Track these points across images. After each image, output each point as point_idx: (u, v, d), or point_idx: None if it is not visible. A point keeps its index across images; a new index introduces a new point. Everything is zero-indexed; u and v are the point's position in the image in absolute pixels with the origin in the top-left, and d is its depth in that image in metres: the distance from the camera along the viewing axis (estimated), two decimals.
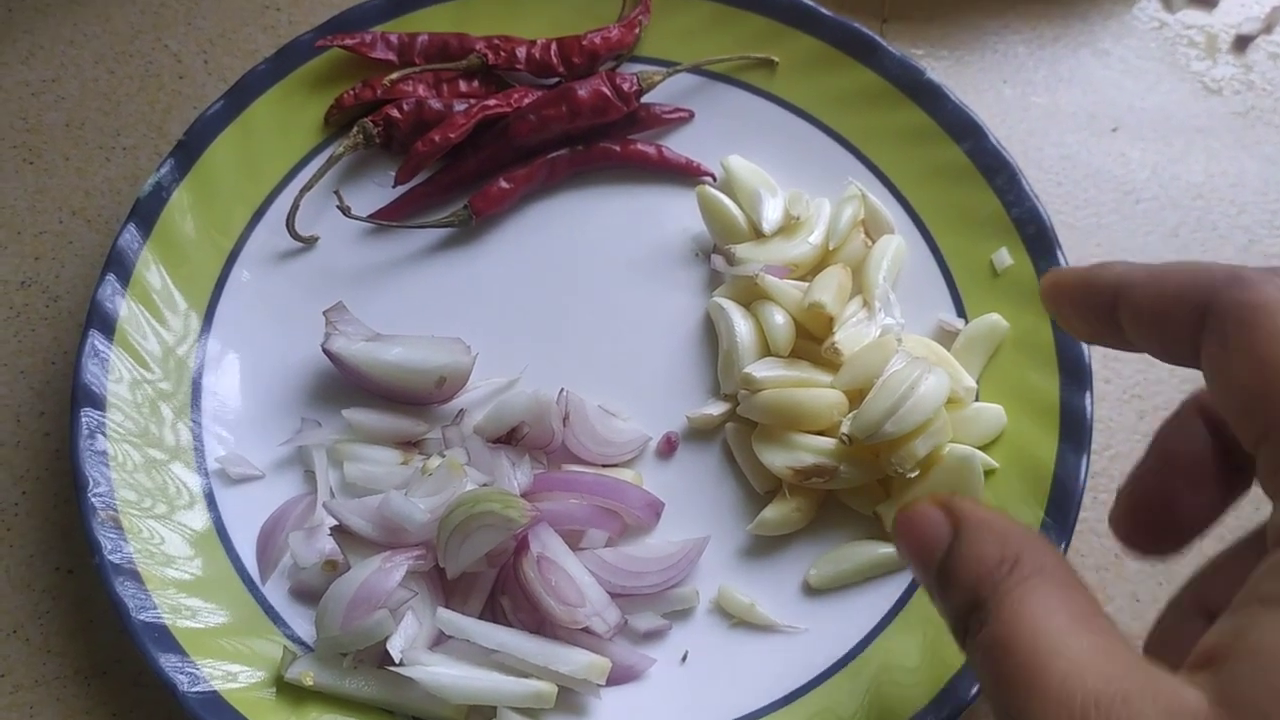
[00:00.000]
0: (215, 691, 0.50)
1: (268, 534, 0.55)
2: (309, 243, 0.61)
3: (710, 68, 0.63)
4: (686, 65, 0.62)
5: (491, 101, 0.61)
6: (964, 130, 0.59)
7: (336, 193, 0.60)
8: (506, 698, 0.49)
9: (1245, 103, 0.65)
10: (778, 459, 0.53)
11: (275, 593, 0.54)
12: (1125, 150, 0.64)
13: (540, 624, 0.52)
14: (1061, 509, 0.51)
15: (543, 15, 0.64)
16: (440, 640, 0.51)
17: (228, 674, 0.51)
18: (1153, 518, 0.42)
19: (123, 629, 0.51)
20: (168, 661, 0.50)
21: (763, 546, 0.54)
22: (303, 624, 0.53)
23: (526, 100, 0.61)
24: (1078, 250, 0.61)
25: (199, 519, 0.55)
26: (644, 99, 0.62)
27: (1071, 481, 0.51)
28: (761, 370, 0.54)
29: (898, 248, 0.58)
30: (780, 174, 0.60)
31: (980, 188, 0.58)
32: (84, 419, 0.54)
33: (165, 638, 0.51)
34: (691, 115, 0.63)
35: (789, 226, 0.58)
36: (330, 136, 0.63)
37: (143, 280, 0.58)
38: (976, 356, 0.55)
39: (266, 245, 0.61)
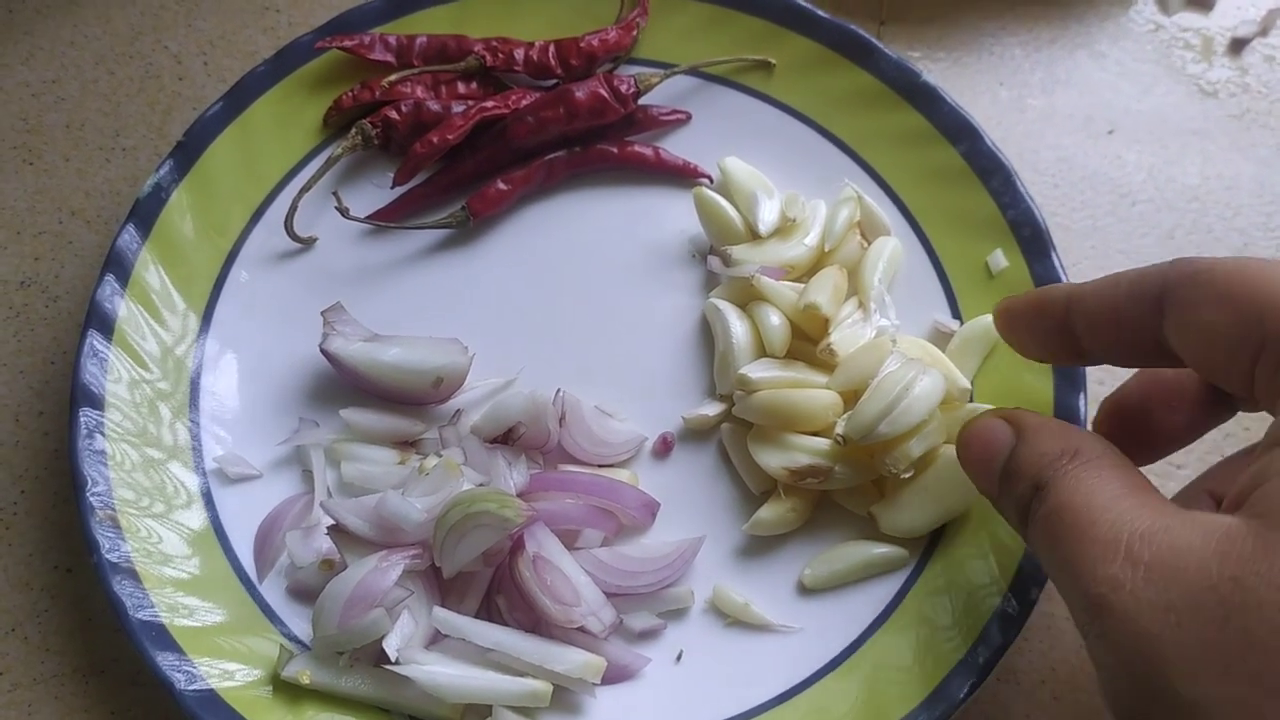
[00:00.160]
0: (212, 690, 0.50)
1: (265, 533, 0.55)
2: (307, 243, 0.61)
3: (707, 70, 0.63)
4: (684, 67, 0.62)
5: (490, 103, 0.61)
6: (960, 132, 0.59)
7: (335, 194, 0.60)
8: (502, 696, 0.50)
9: (1241, 105, 0.65)
10: (773, 459, 0.53)
11: (272, 591, 0.54)
12: (1121, 153, 0.64)
13: (536, 623, 0.52)
14: None
15: (541, 17, 0.64)
16: (436, 639, 0.51)
17: (225, 672, 0.51)
18: (1129, 428, 0.46)
19: (120, 628, 0.51)
20: (165, 660, 0.50)
21: (758, 546, 0.55)
22: (299, 623, 0.53)
23: (524, 102, 0.62)
24: (1073, 252, 0.62)
25: (197, 518, 0.55)
26: (641, 101, 0.62)
27: None
28: (757, 371, 0.54)
29: (893, 249, 0.58)
30: (777, 176, 0.60)
31: (976, 190, 0.58)
32: (83, 419, 0.54)
33: (163, 636, 0.51)
34: (689, 117, 0.63)
35: (785, 228, 0.58)
36: (329, 138, 0.63)
37: (141, 280, 0.58)
38: (971, 358, 0.55)
39: (265, 246, 0.61)
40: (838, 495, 0.54)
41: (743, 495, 0.56)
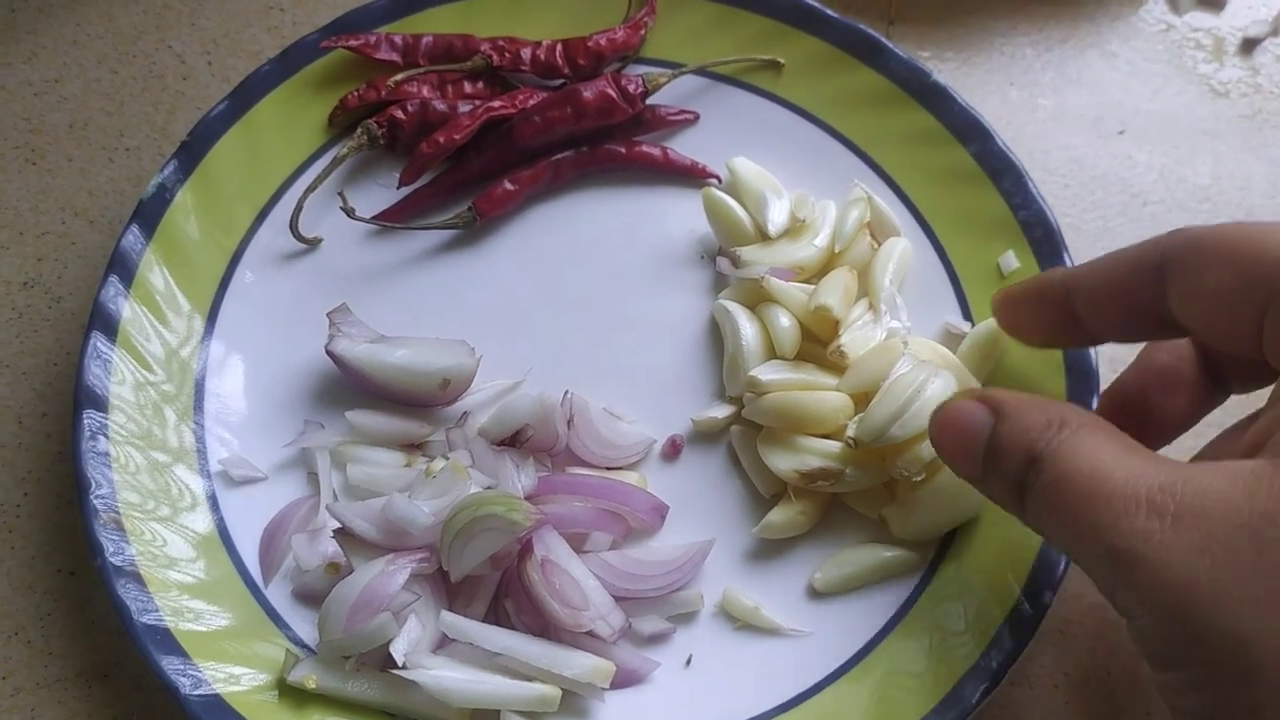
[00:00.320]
0: (217, 694, 0.50)
1: (270, 536, 0.55)
2: (313, 244, 0.61)
3: (716, 69, 0.63)
4: (692, 67, 0.62)
5: (496, 103, 0.61)
6: (970, 132, 0.58)
7: (341, 194, 0.60)
8: (510, 701, 0.49)
9: (1252, 105, 0.65)
10: (783, 462, 0.53)
11: (278, 595, 0.54)
12: (1132, 153, 0.64)
13: (544, 627, 0.51)
14: None
15: (548, 16, 0.63)
16: (444, 643, 0.51)
17: (230, 677, 0.51)
18: (1130, 418, 0.46)
19: (125, 631, 0.50)
20: (170, 664, 0.50)
21: (767, 550, 0.54)
22: (305, 627, 0.53)
23: (531, 102, 0.61)
24: (1084, 253, 0.60)
25: (202, 521, 0.55)
26: (649, 100, 0.62)
27: None
28: (767, 373, 0.54)
29: (904, 250, 0.57)
30: (786, 176, 0.59)
31: (987, 190, 0.58)
32: (86, 421, 0.54)
33: (167, 640, 0.50)
34: (697, 117, 0.63)
35: (794, 229, 0.58)
36: (334, 138, 0.62)
37: (146, 281, 0.58)
38: (983, 360, 0.55)
39: (270, 246, 0.60)
40: (848, 498, 0.54)
41: (752, 498, 0.55)
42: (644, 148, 0.61)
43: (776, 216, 0.57)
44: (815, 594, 0.53)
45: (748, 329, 0.55)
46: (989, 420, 0.41)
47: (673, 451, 0.56)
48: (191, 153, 0.60)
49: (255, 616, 0.53)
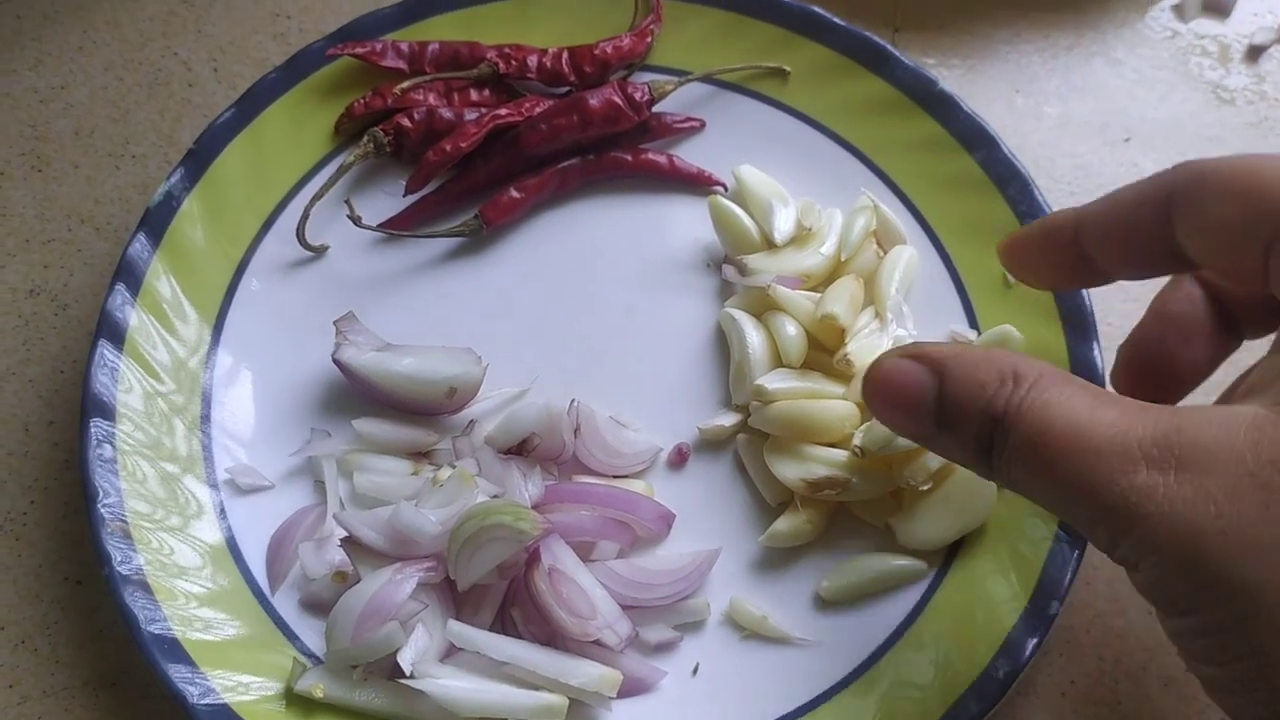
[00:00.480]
0: (225, 704, 0.50)
1: (277, 545, 0.55)
2: (319, 252, 0.61)
3: (722, 77, 0.63)
4: (698, 74, 0.62)
5: (503, 111, 0.61)
6: (976, 140, 0.58)
7: (347, 202, 0.60)
8: (517, 710, 0.49)
9: (1258, 113, 0.65)
10: (790, 471, 0.53)
11: (285, 604, 0.54)
12: (1138, 160, 0.64)
13: (551, 636, 0.51)
14: None
15: (554, 24, 0.63)
16: (451, 652, 0.51)
17: (237, 686, 0.51)
18: (1149, 370, 0.46)
19: (132, 640, 0.50)
20: (177, 673, 0.50)
21: (774, 558, 0.54)
22: (312, 635, 0.53)
23: (538, 109, 0.61)
24: None
25: (208, 530, 0.55)
26: (655, 108, 0.62)
27: None
28: (774, 382, 0.54)
29: (910, 258, 0.57)
30: (792, 184, 0.59)
31: (993, 198, 0.57)
32: (93, 429, 0.54)
33: (175, 649, 0.50)
34: (703, 124, 0.63)
35: (801, 237, 0.58)
36: (340, 145, 0.62)
37: (153, 290, 0.58)
38: None
39: (277, 254, 0.60)
40: (855, 507, 0.54)
41: (759, 506, 0.55)
42: (650, 155, 0.61)
43: (783, 224, 0.57)
44: (822, 603, 0.53)
45: (754, 337, 0.55)
46: (930, 379, 0.40)
47: (679, 460, 0.56)
48: (198, 161, 0.60)
49: (262, 625, 0.53)
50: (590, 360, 0.58)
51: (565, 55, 0.62)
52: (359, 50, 0.62)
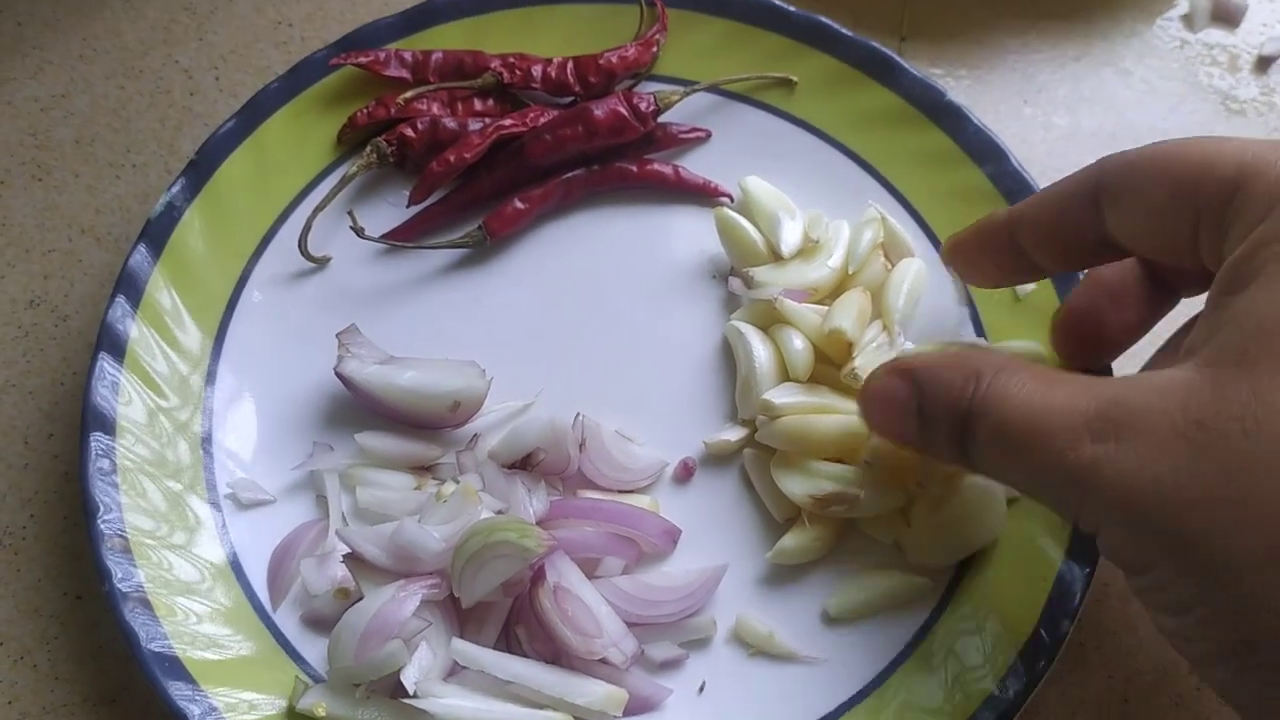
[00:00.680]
0: None
1: (279, 561, 0.54)
2: (321, 263, 0.60)
3: (728, 87, 0.62)
4: (704, 84, 0.61)
5: (507, 121, 0.61)
6: (985, 153, 0.58)
7: (350, 213, 0.59)
8: None
9: (1268, 124, 0.64)
10: (797, 487, 0.52)
11: (286, 621, 0.53)
12: None
13: (556, 654, 0.51)
14: (1085, 537, 0.50)
15: (559, 33, 0.63)
16: (455, 671, 0.50)
17: (238, 704, 0.50)
18: (1083, 332, 0.50)
19: (132, 657, 0.50)
20: (178, 691, 0.49)
21: (781, 575, 0.54)
22: (314, 653, 0.52)
23: (542, 119, 0.61)
24: None
25: (209, 545, 0.54)
26: (661, 118, 0.61)
27: None
28: (781, 396, 0.53)
29: (918, 271, 0.57)
30: (799, 195, 0.59)
31: None
32: (94, 443, 0.53)
33: (175, 667, 0.50)
34: (709, 135, 0.62)
35: (808, 249, 0.57)
36: (343, 155, 0.62)
37: (154, 301, 0.57)
38: None
39: (278, 266, 0.60)
40: (863, 524, 0.53)
41: (765, 522, 0.55)
42: (655, 166, 0.61)
43: (789, 237, 0.57)
44: (830, 620, 0.52)
45: (760, 351, 0.55)
46: (910, 390, 0.44)
47: (685, 474, 0.56)
48: (199, 171, 0.59)
49: (264, 642, 0.52)
50: (595, 373, 0.58)
51: (570, 65, 0.61)
52: (362, 59, 0.61)
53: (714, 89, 0.62)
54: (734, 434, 0.56)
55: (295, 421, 0.57)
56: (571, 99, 0.62)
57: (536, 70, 0.61)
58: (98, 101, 0.67)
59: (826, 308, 0.55)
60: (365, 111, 0.61)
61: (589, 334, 0.59)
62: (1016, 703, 0.48)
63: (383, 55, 0.62)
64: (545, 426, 0.53)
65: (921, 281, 0.57)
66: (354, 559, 0.51)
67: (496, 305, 0.60)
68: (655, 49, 0.62)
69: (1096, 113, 0.65)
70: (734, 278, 0.58)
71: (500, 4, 0.63)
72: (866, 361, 0.53)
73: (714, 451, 0.56)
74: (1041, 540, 0.51)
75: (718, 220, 0.58)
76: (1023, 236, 0.46)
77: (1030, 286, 0.55)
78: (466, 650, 0.49)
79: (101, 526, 0.52)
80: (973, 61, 0.66)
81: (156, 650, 0.50)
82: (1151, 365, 0.49)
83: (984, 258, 0.50)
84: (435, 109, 0.62)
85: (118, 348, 0.55)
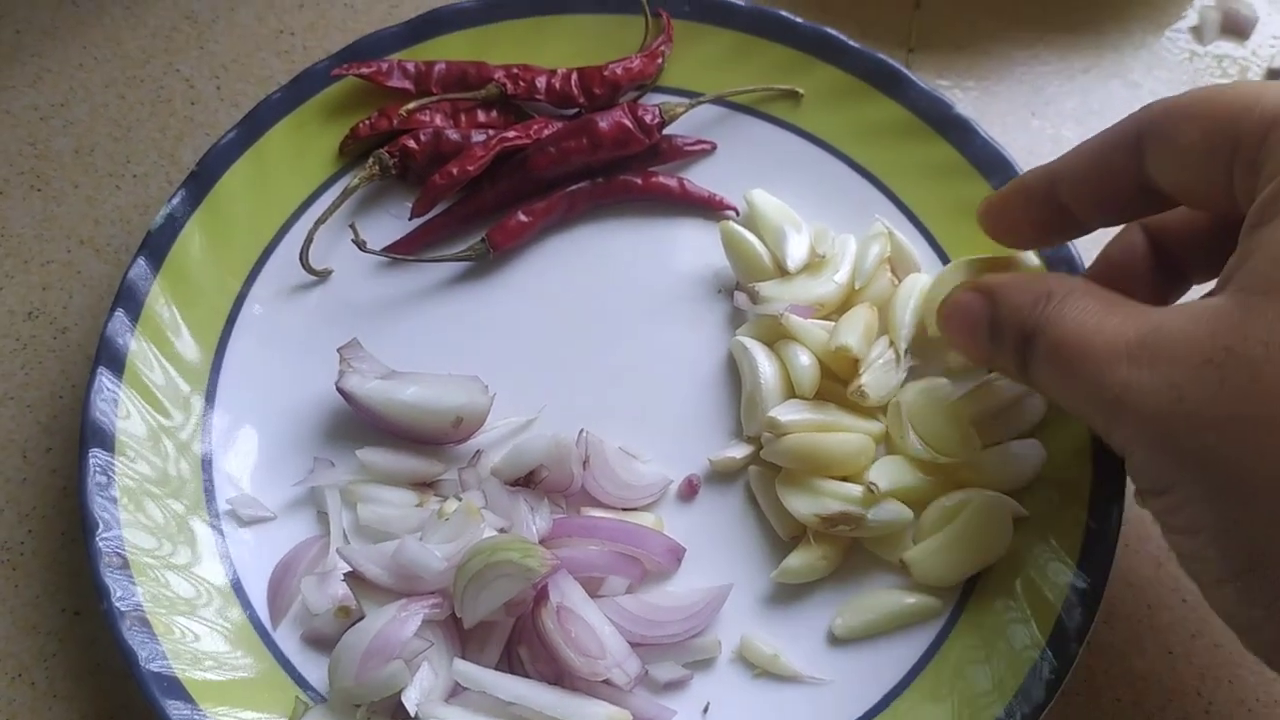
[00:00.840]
0: None
1: (279, 578, 0.54)
2: (323, 276, 0.60)
3: (734, 99, 0.62)
4: (710, 96, 0.61)
5: (510, 133, 0.60)
6: (993, 166, 0.57)
7: (352, 225, 0.58)
8: None
9: None
10: (803, 505, 0.52)
11: (287, 640, 0.53)
12: None
13: (559, 675, 0.50)
14: (1094, 557, 0.49)
15: (563, 45, 0.62)
16: (456, 692, 0.50)
17: None
18: None
19: (131, 676, 0.49)
20: (177, 710, 0.49)
21: (786, 594, 0.53)
22: (315, 672, 0.52)
23: (546, 132, 0.60)
24: None
25: (208, 562, 0.54)
26: (666, 130, 0.61)
27: (1104, 525, 0.50)
28: (786, 413, 0.52)
29: (925, 287, 0.56)
30: (805, 209, 0.58)
31: None
32: (93, 459, 0.52)
33: (174, 687, 0.49)
34: (714, 147, 0.62)
35: (814, 264, 0.56)
36: (345, 167, 0.61)
37: (153, 315, 0.56)
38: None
39: (279, 279, 0.59)
40: (869, 542, 0.53)
41: (771, 541, 0.54)
42: (660, 179, 0.60)
43: (796, 251, 0.56)
44: (836, 640, 0.52)
45: (766, 367, 0.54)
46: (986, 306, 0.46)
47: (689, 492, 0.55)
48: (200, 182, 0.59)
49: (264, 662, 0.52)
50: (599, 389, 0.57)
51: (575, 76, 0.61)
52: (364, 70, 0.61)
53: (720, 101, 0.62)
54: (739, 451, 0.55)
55: (296, 437, 0.57)
56: (576, 111, 0.62)
57: (541, 82, 0.61)
58: (97, 110, 0.66)
59: (833, 323, 0.54)
60: (368, 123, 0.61)
61: (593, 349, 0.58)
62: None
63: (385, 66, 0.61)
64: (549, 443, 0.53)
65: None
66: (355, 577, 0.51)
67: (499, 319, 0.59)
68: (660, 60, 0.61)
69: (1105, 125, 0.64)
70: (739, 292, 0.57)
71: (504, 15, 0.62)
72: (873, 378, 0.53)
73: (719, 469, 0.55)
74: (1050, 563, 0.50)
75: (723, 234, 0.58)
76: (1063, 188, 0.47)
77: None
78: (468, 671, 0.49)
79: (100, 544, 0.51)
80: (980, 73, 0.66)
81: (155, 670, 0.49)
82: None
83: (1023, 214, 0.50)
84: (438, 120, 0.61)
85: (117, 362, 0.55)
